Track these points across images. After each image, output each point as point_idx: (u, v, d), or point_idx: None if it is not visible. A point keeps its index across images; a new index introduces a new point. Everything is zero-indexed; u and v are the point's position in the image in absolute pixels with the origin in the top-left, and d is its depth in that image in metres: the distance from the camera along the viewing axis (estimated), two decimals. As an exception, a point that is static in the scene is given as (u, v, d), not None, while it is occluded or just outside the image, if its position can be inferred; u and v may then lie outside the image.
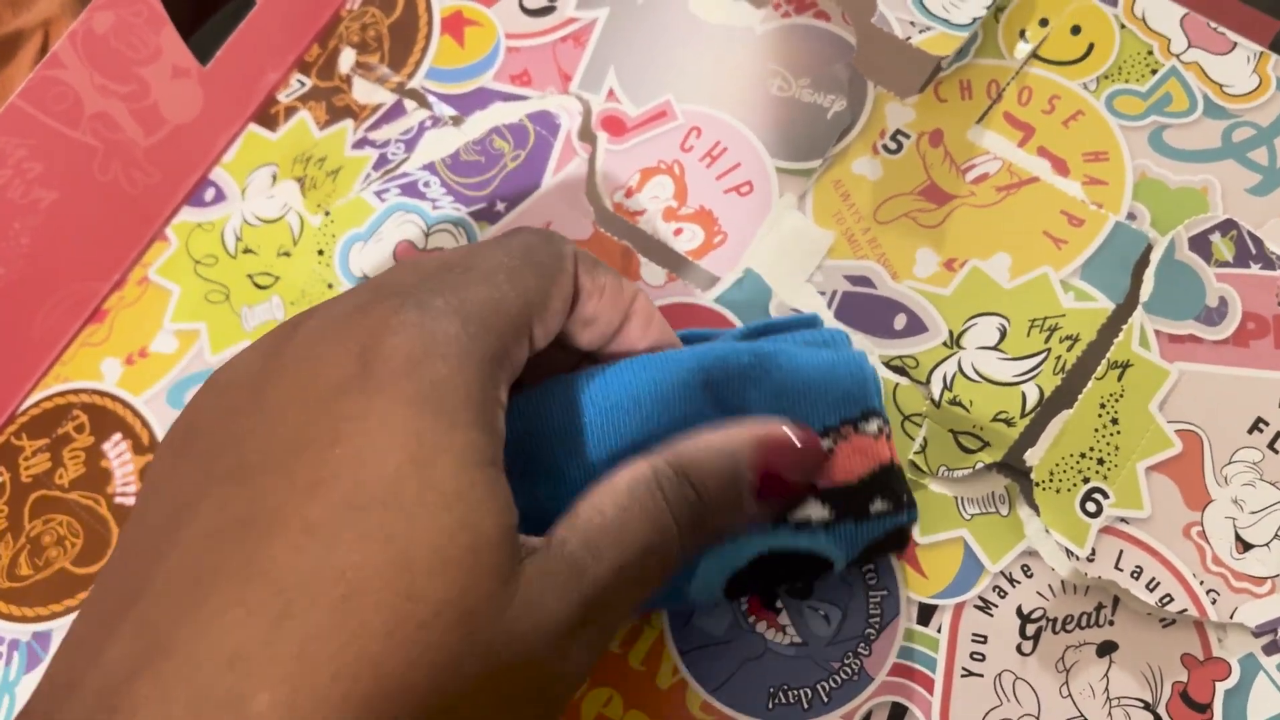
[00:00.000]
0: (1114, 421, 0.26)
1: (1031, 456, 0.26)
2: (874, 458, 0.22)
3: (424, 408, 0.17)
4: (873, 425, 0.23)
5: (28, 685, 0.28)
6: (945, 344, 0.27)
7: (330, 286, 0.31)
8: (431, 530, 0.16)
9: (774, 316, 0.26)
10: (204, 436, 0.18)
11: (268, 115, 0.33)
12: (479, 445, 0.18)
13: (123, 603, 0.17)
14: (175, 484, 0.18)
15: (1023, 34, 0.30)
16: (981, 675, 0.25)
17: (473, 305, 0.19)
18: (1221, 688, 0.24)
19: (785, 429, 0.21)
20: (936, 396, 0.27)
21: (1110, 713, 0.24)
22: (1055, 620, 0.25)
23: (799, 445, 0.21)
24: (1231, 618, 0.24)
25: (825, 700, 0.25)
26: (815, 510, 0.22)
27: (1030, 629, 0.25)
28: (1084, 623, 0.25)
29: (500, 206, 0.30)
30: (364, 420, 0.17)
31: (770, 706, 0.25)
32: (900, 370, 0.27)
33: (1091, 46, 0.30)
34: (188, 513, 0.17)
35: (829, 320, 0.28)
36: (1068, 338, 0.27)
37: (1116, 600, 0.25)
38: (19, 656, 0.28)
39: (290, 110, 0.33)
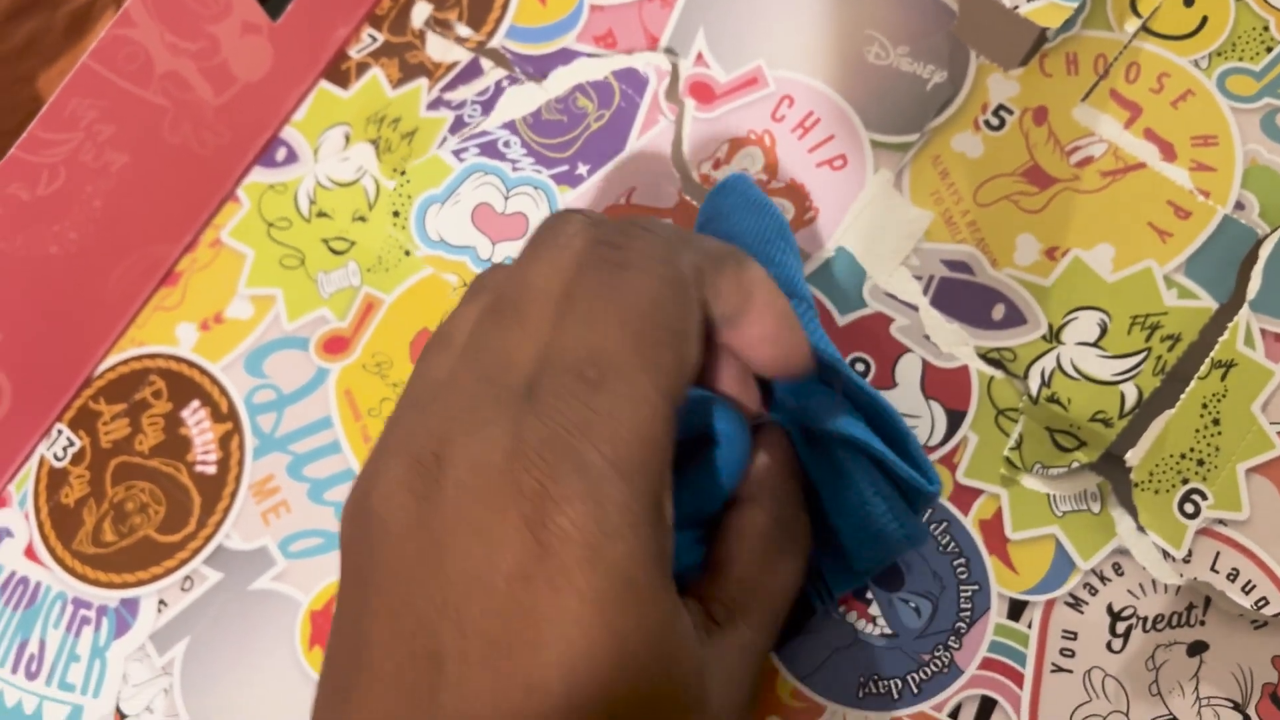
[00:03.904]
0: (1215, 422, 0.25)
1: (1132, 457, 0.25)
2: None
3: (617, 604, 0.17)
4: None
5: (118, 651, 0.28)
6: (1044, 338, 0.27)
7: (407, 254, 0.30)
8: (648, 715, 0.17)
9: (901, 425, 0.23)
10: (385, 597, 0.18)
11: (338, 72, 0.32)
12: (668, 613, 0.18)
13: None
14: (373, 647, 0.18)
15: (1133, 4, 0.29)
16: (1071, 671, 0.25)
17: (627, 447, 0.18)
18: (1311, 692, 0.24)
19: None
20: (1034, 393, 0.26)
21: (1200, 712, 0.24)
22: (1146, 619, 0.25)
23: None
24: (1323, 622, 0.24)
25: (915, 692, 0.25)
26: None
27: (1120, 627, 0.25)
28: (1175, 622, 0.25)
29: (583, 169, 0.29)
30: (560, 625, 0.17)
31: (860, 695, 0.25)
32: (997, 363, 0.27)
33: (1205, 20, 0.29)
34: (404, 700, 0.17)
35: (924, 307, 0.27)
36: (1169, 337, 0.26)
37: (1208, 600, 0.25)
38: (108, 622, 0.28)
39: (362, 67, 0.31)
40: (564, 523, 0.17)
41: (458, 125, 0.30)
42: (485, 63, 0.31)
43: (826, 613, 0.26)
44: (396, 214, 0.30)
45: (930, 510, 0.26)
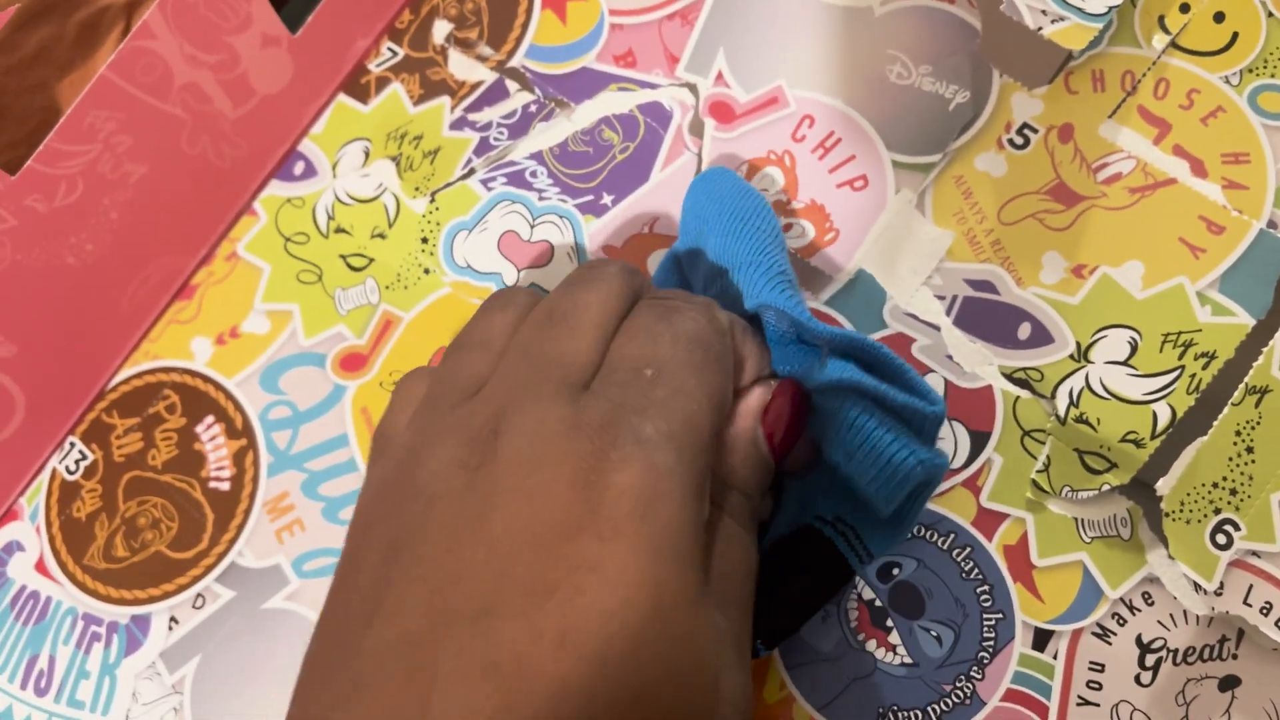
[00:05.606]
0: (1249, 450, 0.25)
1: (1163, 486, 0.25)
2: None
3: (660, 555, 0.17)
4: None
5: (128, 668, 0.28)
6: (1072, 357, 0.26)
7: (427, 272, 0.30)
8: (674, 681, 0.17)
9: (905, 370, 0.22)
10: (423, 558, 0.18)
11: (358, 85, 0.31)
12: (701, 583, 0.18)
13: None
14: (398, 605, 0.18)
15: (1161, 21, 0.28)
16: (1098, 705, 0.24)
17: (679, 429, 0.19)
18: (1350, 729, 0.23)
19: (770, 392, 0.22)
20: (1062, 413, 0.26)
21: (1232, 749, 0.23)
22: (1176, 651, 0.24)
23: (791, 400, 0.21)
24: (1362, 656, 0.23)
25: (937, 723, 0.24)
26: None
27: (1150, 659, 0.24)
28: (1206, 655, 0.24)
29: (607, 199, 0.29)
30: (604, 570, 0.17)
31: (879, 726, 0.24)
32: (1024, 384, 0.26)
33: (1235, 36, 0.28)
34: (429, 652, 0.17)
35: (946, 327, 0.27)
36: (1203, 354, 0.26)
37: (1241, 632, 0.24)
38: (118, 639, 0.28)
39: (382, 81, 0.31)
40: (619, 480, 0.18)
41: (483, 147, 0.30)
42: (510, 84, 0.30)
43: (865, 572, 0.25)
44: (425, 240, 0.30)
45: (944, 464, 0.24)
